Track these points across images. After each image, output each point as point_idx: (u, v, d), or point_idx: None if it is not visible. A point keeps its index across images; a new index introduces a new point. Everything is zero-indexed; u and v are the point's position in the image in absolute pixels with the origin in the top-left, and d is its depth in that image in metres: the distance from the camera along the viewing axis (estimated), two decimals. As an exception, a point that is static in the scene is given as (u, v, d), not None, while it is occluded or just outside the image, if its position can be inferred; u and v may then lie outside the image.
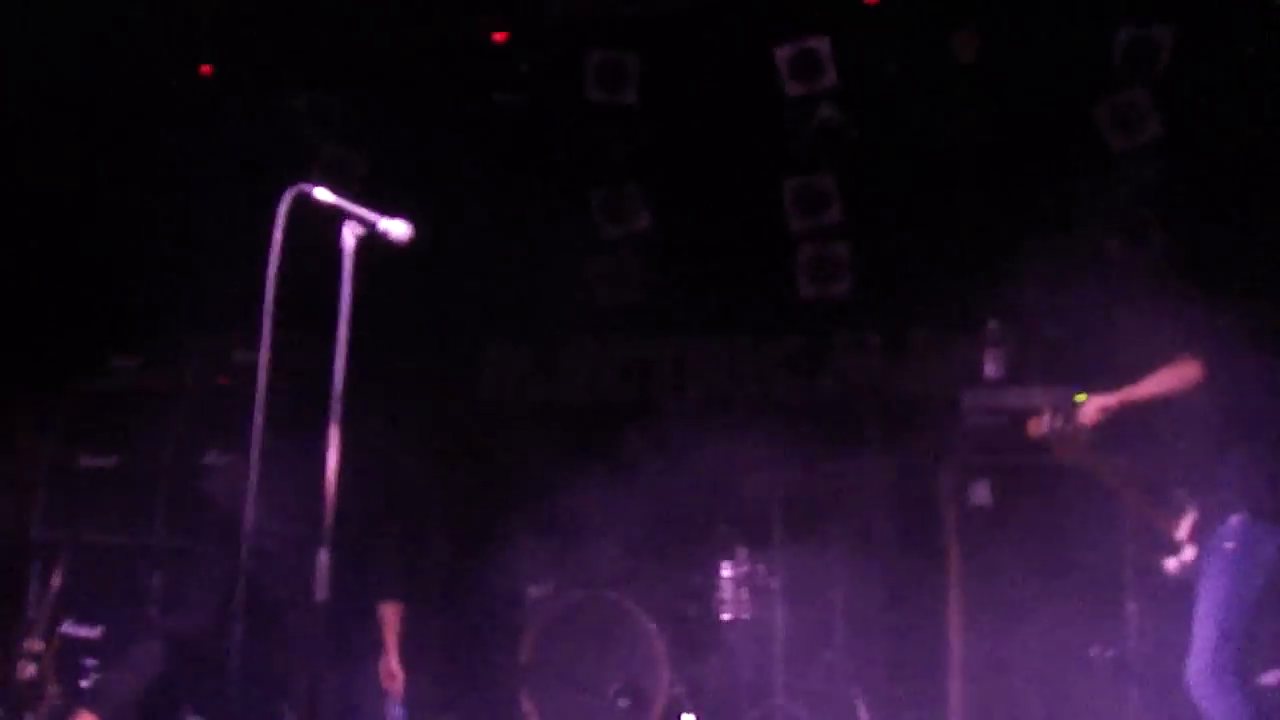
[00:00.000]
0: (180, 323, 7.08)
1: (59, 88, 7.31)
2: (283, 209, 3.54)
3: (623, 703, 6.22)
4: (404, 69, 7.58)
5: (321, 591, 3.51)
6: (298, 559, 4.59)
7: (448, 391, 8.01)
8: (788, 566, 6.53)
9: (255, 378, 3.52)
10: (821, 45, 7.14)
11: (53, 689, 6.23)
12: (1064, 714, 5.81)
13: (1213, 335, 4.89)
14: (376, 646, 5.49)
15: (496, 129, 7.58)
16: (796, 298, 7.44)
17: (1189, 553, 5.02)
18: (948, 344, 7.22)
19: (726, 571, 6.45)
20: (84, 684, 6.16)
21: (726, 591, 6.43)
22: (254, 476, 3.49)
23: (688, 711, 6.20)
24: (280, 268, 3.53)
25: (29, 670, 6.20)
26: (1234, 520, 4.82)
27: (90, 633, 6.37)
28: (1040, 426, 5.22)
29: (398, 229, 3.70)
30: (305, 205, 3.62)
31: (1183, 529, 5.06)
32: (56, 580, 6.34)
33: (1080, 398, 5.15)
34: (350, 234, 3.64)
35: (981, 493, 6.10)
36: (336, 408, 3.57)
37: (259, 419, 3.46)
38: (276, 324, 3.54)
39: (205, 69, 7.68)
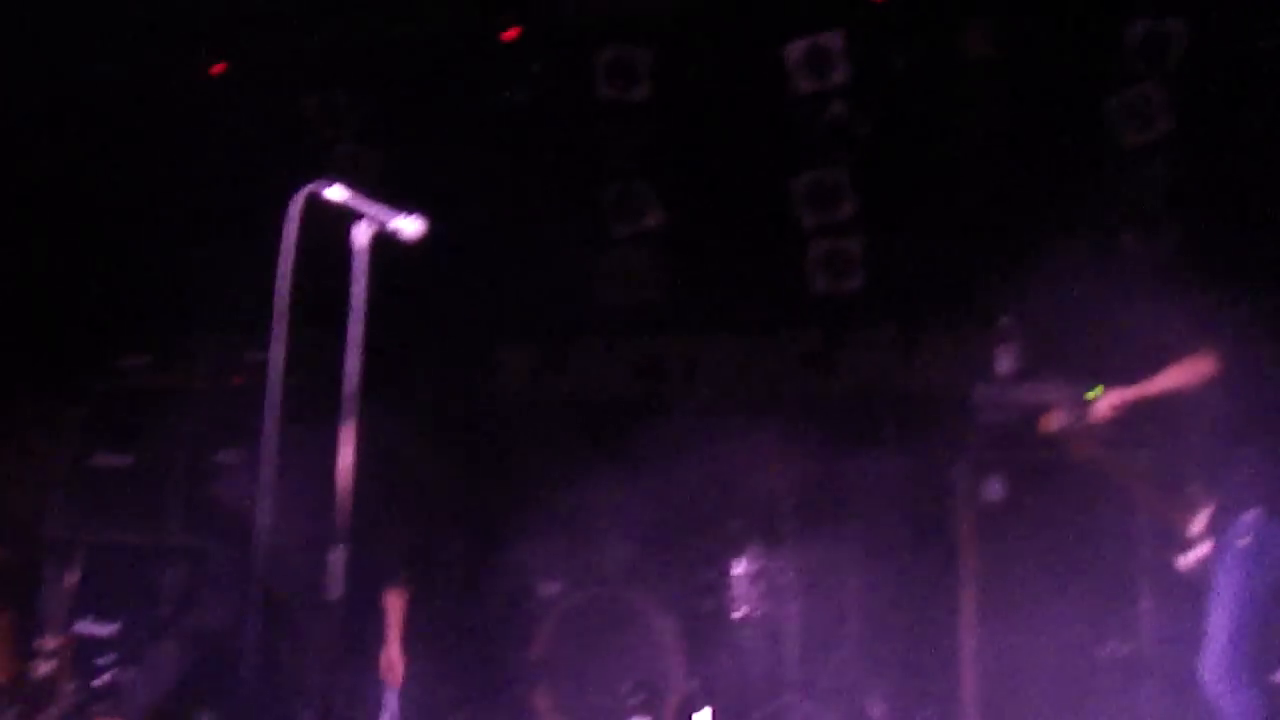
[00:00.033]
0: (192, 322, 7.10)
1: (69, 87, 7.34)
2: (295, 208, 3.55)
3: (636, 699, 6.23)
4: (414, 68, 7.58)
5: (335, 590, 3.52)
6: (308, 556, 4.60)
7: (460, 390, 8.02)
8: (801, 563, 6.53)
9: (266, 376, 3.52)
10: (832, 41, 7.13)
11: (67, 687, 6.25)
12: (1078, 710, 5.80)
13: (1227, 330, 4.88)
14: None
15: (507, 127, 7.58)
16: (808, 294, 7.43)
17: (1203, 549, 5.00)
18: (961, 340, 7.20)
19: (739, 568, 6.45)
20: (98, 682, 6.18)
21: (739, 588, 6.43)
22: (267, 474, 3.49)
23: (701, 708, 6.20)
24: (292, 266, 3.53)
25: (44, 668, 6.23)
26: (1248, 516, 4.80)
27: (105, 631, 6.40)
28: (1054, 422, 5.21)
29: (409, 227, 3.69)
30: (317, 204, 3.63)
31: (1197, 525, 5.05)
32: (71, 579, 6.36)
33: (1094, 393, 5.14)
34: (362, 233, 3.64)
35: (995, 489, 6.09)
36: (350, 406, 3.58)
37: (271, 418, 3.47)
38: (289, 323, 3.54)
39: (217, 68, 7.68)
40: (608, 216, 7.69)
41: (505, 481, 7.65)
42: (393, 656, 5.37)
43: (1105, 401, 5.02)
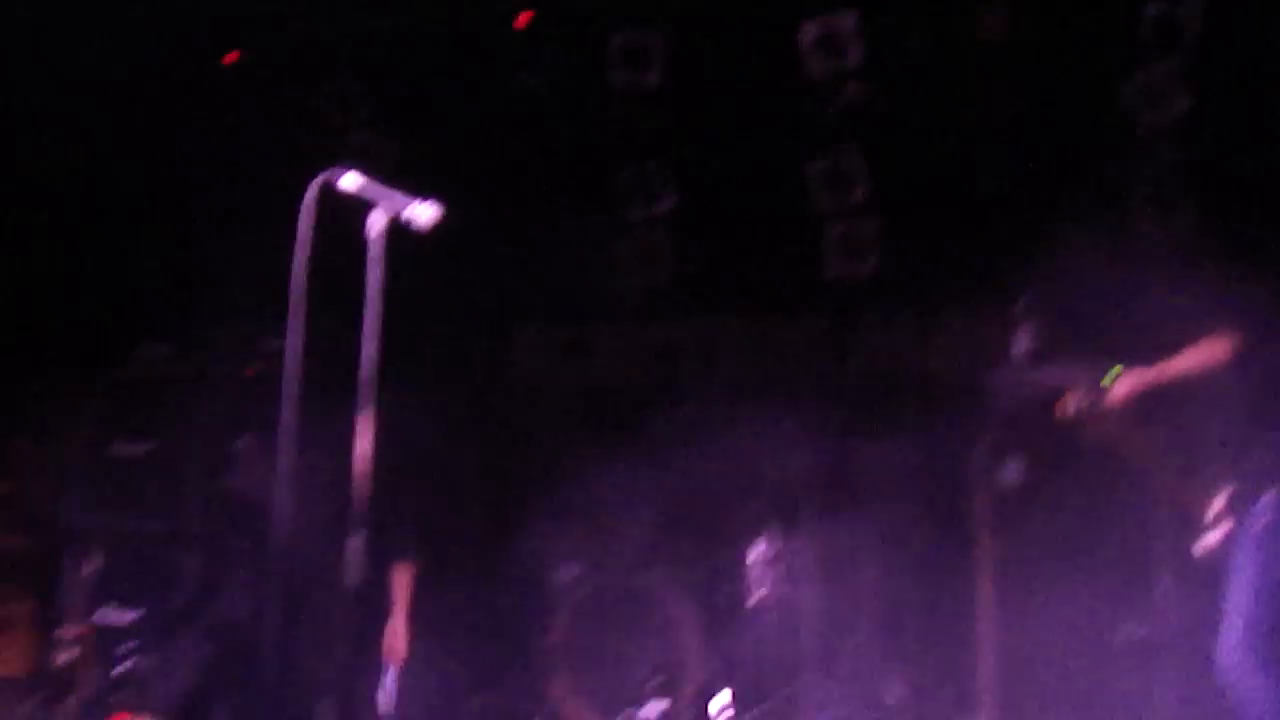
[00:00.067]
0: (210, 311, 7.12)
1: (87, 77, 7.34)
2: (310, 196, 3.55)
3: (655, 684, 6.24)
4: (428, 54, 7.58)
5: (354, 577, 3.53)
6: (324, 544, 4.61)
7: (478, 376, 8.03)
8: (818, 547, 6.53)
9: (283, 364, 3.53)
10: (847, 22, 7.10)
11: (88, 675, 6.28)
12: (1095, 693, 5.80)
13: (1245, 311, 4.86)
14: (416, 631, 5.49)
15: (521, 113, 7.57)
16: (824, 278, 7.41)
17: (1221, 532, 4.99)
18: (977, 323, 7.18)
19: (757, 552, 6.45)
20: (118, 670, 6.21)
21: (757, 572, 6.43)
22: (285, 463, 3.50)
23: (719, 691, 6.21)
24: (309, 254, 3.54)
25: (64, 657, 6.26)
26: (1267, 498, 4.79)
27: (125, 619, 6.42)
28: (1071, 405, 5.20)
29: (424, 214, 3.69)
30: (332, 192, 3.63)
31: (1215, 507, 5.03)
32: (91, 567, 6.39)
33: (1111, 376, 5.13)
34: (377, 220, 3.64)
35: (1012, 472, 6.08)
36: (366, 394, 3.58)
37: (289, 406, 3.47)
38: (305, 311, 3.54)
39: (232, 56, 7.69)
40: (622, 202, 7.68)
41: (522, 467, 7.66)
42: (397, 634, 5.29)
43: (1123, 384, 5.01)
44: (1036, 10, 6.99)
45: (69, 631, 6.29)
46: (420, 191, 3.78)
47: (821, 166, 7.33)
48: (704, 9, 7.36)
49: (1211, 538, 5.02)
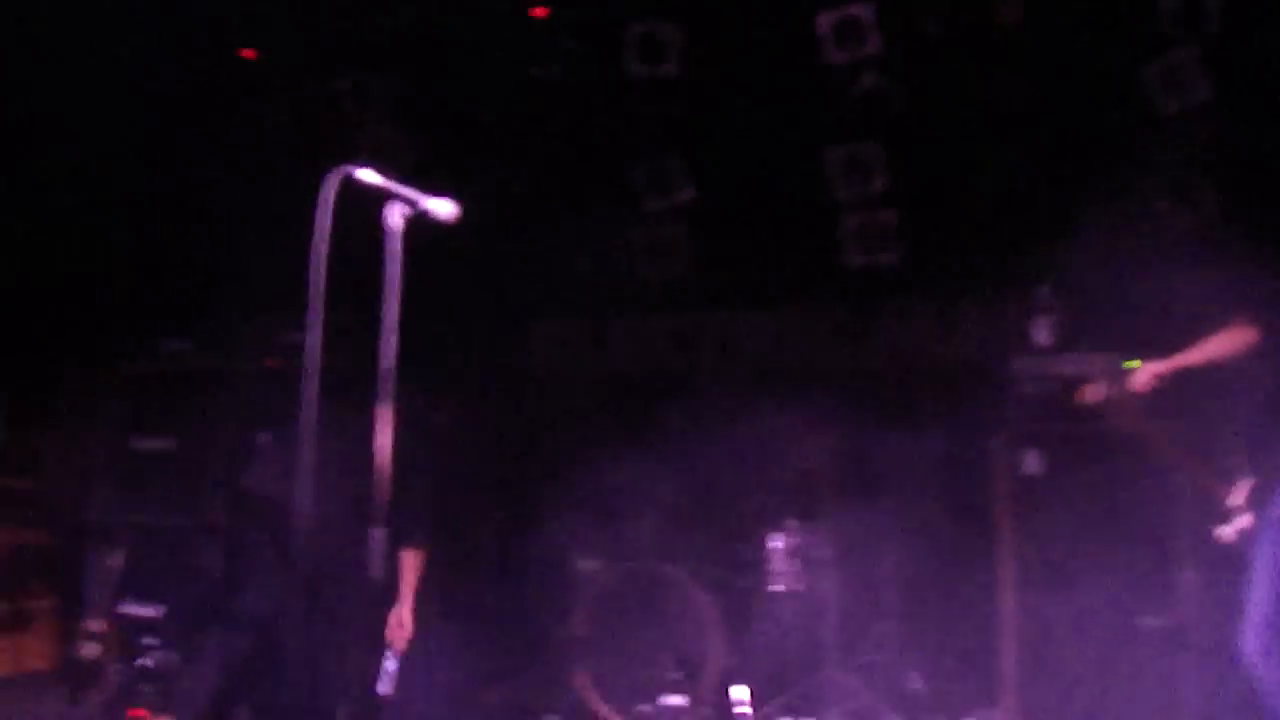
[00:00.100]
0: (231, 305, 7.14)
1: (106, 72, 7.36)
2: (329, 191, 3.56)
3: (675, 674, 6.25)
4: (445, 48, 7.58)
5: (376, 570, 3.54)
6: (344, 538, 4.62)
7: (497, 368, 8.04)
8: (839, 537, 6.53)
9: (303, 358, 3.54)
10: (864, 11, 7.07)
11: (113, 668, 6.32)
12: (1118, 683, 5.78)
13: (1266, 299, 4.83)
14: (427, 618, 5.49)
15: (538, 104, 7.57)
16: (843, 268, 7.40)
17: (1243, 520, 4.97)
18: (997, 311, 7.16)
19: (777, 543, 6.45)
20: (142, 662, 6.24)
21: (777, 563, 6.43)
22: (306, 457, 3.50)
23: (739, 683, 6.22)
24: (327, 249, 3.54)
25: (90, 650, 6.30)
26: (1289, 487, 4.77)
27: (149, 612, 6.46)
28: (1092, 394, 5.19)
29: (443, 208, 3.70)
30: (352, 186, 3.64)
31: (1237, 496, 5.01)
32: (115, 561, 6.42)
33: (1132, 364, 5.11)
34: (396, 215, 3.65)
35: (1033, 461, 6.07)
36: (386, 387, 3.59)
37: (310, 399, 3.48)
38: (325, 305, 3.55)
39: (249, 52, 7.70)
40: (640, 193, 7.67)
41: (541, 458, 7.68)
42: (405, 618, 5.23)
43: (1144, 373, 4.99)
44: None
45: (92, 626, 6.32)
46: (438, 184, 3.79)
47: (840, 156, 7.31)
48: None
49: (1233, 527, 5.01)
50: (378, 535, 3.58)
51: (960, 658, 6.38)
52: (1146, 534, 5.76)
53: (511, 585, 7.34)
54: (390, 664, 5.03)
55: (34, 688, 6.74)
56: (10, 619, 6.98)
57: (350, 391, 3.86)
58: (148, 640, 6.31)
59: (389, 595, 5.12)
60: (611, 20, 7.39)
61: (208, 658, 5.28)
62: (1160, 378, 4.99)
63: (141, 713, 5.61)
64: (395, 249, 3.63)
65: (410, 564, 5.30)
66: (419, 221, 3.71)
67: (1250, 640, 4.72)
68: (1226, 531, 5.02)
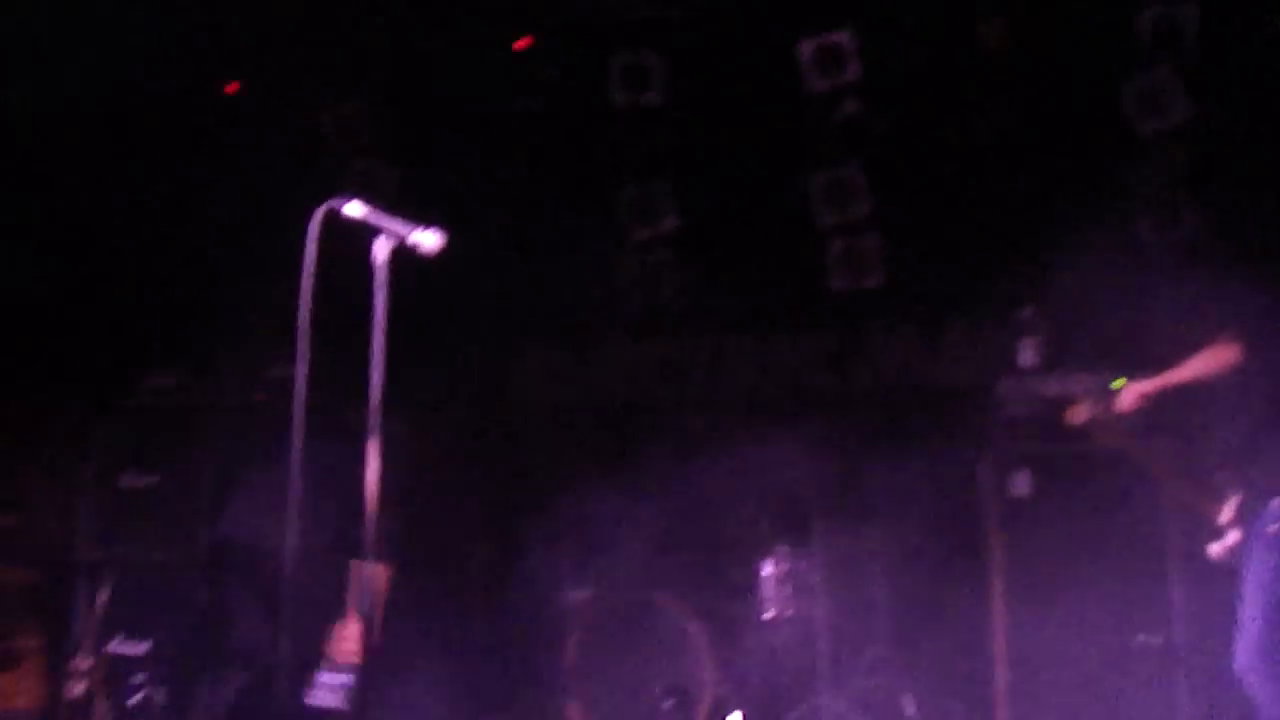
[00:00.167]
0: (217, 339, 7.13)
1: (89, 107, 7.37)
2: (314, 225, 3.56)
3: (668, 703, 6.22)
4: (428, 79, 7.60)
5: (365, 605, 3.52)
6: (330, 571, 4.60)
7: (484, 398, 8.03)
8: (829, 562, 6.52)
9: (291, 391, 3.54)
10: (844, 39, 7.12)
11: (102, 706, 6.28)
12: (1110, 702, 5.78)
13: (1250, 316, 4.86)
14: (427, 655, 5.44)
15: (523, 135, 7.59)
16: (828, 292, 7.42)
17: (1233, 537, 4.98)
18: (983, 333, 7.19)
19: (768, 569, 6.44)
20: (131, 701, 6.20)
21: (768, 589, 6.42)
22: (295, 492, 3.49)
23: (732, 710, 6.19)
24: (314, 283, 3.55)
25: (78, 688, 6.25)
26: (1277, 503, 4.78)
27: (137, 649, 6.42)
28: (1079, 414, 5.20)
29: (428, 241, 3.70)
30: (338, 219, 3.64)
31: (1226, 513, 5.03)
32: (102, 598, 6.39)
33: (1118, 383, 5.13)
34: (381, 247, 3.65)
35: (1022, 483, 6.08)
36: (374, 420, 3.59)
37: (298, 435, 3.47)
38: (312, 339, 3.55)
39: (232, 86, 7.71)
40: (626, 220, 7.69)
41: (529, 486, 7.66)
42: (356, 630, 5.06)
43: (1130, 392, 5.01)
44: (1034, 19, 6.99)
45: (82, 663, 6.28)
46: (424, 214, 3.79)
47: (823, 182, 7.34)
48: (702, 27, 7.38)
49: (1223, 544, 5.02)
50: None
51: (953, 680, 6.37)
52: (1136, 553, 5.77)
53: (501, 615, 7.31)
54: (333, 678, 4.91)
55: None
56: (-2, 658, 6.93)
57: (329, 421, 3.85)
58: (136, 679, 6.27)
59: (337, 608, 5.04)
60: (594, 50, 7.43)
61: (202, 702, 5.23)
62: (1146, 397, 5.01)
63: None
64: (381, 281, 3.63)
65: (376, 578, 5.16)
66: (405, 253, 3.71)
67: (1243, 657, 4.72)
68: (1216, 548, 5.04)
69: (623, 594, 6.53)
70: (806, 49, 7.13)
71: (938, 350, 7.44)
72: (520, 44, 7.44)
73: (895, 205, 7.28)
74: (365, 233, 3.70)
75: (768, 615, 6.40)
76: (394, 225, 3.68)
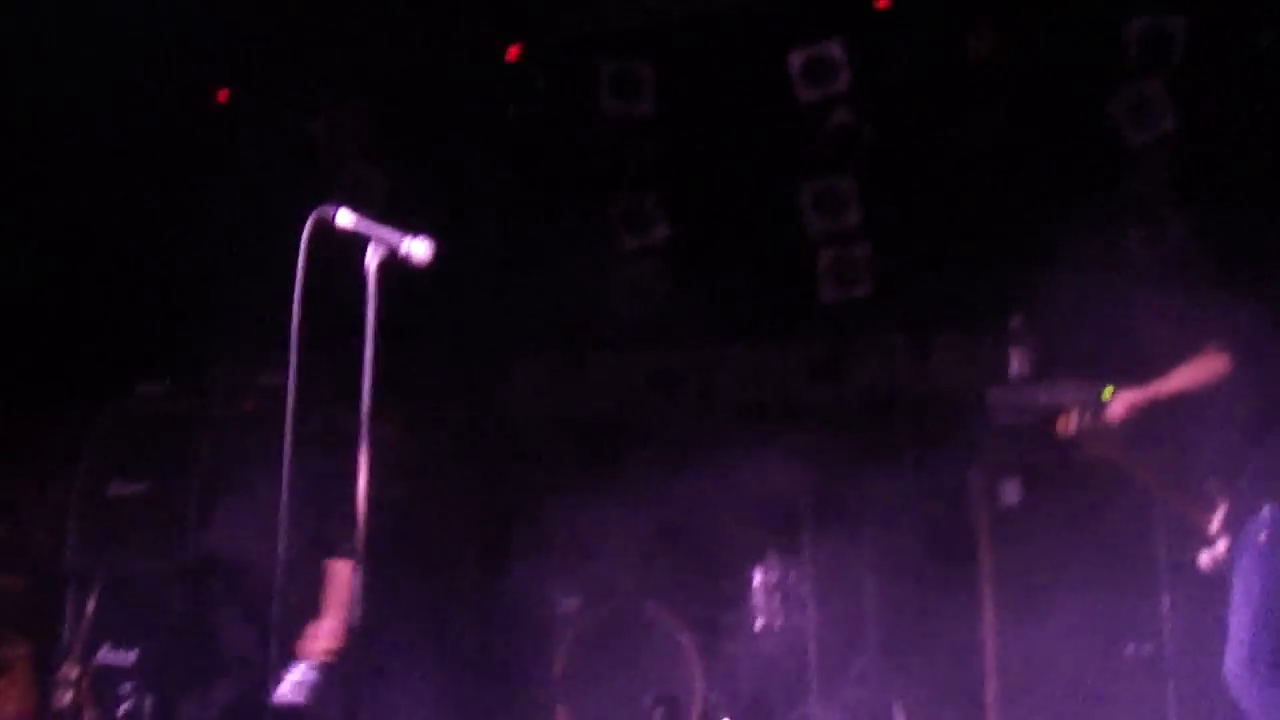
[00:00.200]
0: (207, 347, 7.11)
1: (79, 115, 7.36)
2: (305, 233, 3.56)
3: (657, 713, 6.22)
4: (420, 88, 7.60)
5: (356, 613, 3.51)
6: (306, 576, 4.58)
7: (474, 408, 8.02)
8: (819, 572, 6.52)
9: (282, 399, 3.53)
10: (834, 49, 7.13)
11: (89, 715, 6.25)
12: (1101, 711, 5.79)
13: (1238, 325, 4.87)
14: (416, 667, 5.41)
15: (513, 144, 7.60)
16: (819, 302, 7.43)
17: (1223, 545, 4.99)
18: (973, 343, 7.20)
19: (758, 579, 6.44)
20: (119, 711, 6.17)
21: (758, 599, 6.42)
22: (286, 501, 3.49)
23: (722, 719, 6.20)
24: (304, 290, 3.54)
25: (66, 698, 6.23)
26: (1267, 511, 4.79)
27: (125, 658, 6.39)
28: (1069, 424, 5.21)
29: (419, 250, 3.70)
30: (329, 227, 3.64)
31: (1216, 522, 5.04)
32: (90, 608, 6.36)
33: (1107, 393, 5.14)
34: (372, 256, 3.65)
35: (1012, 492, 6.08)
36: (365, 429, 3.58)
37: (289, 443, 3.47)
38: (302, 346, 3.55)
39: (222, 93, 7.71)
40: (616, 230, 7.70)
41: (520, 496, 7.65)
42: (329, 628, 4.98)
43: (1120, 402, 5.02)
44: (1023, 30, 7.02)
45: (69, 672, 6.25)
46: (414, 223, 3.79)
47: (813, 191, 7.35)
48: (693, 37, 7.39)
49: (1213, 552, 5.03)
50: (357, 579, 3.56)
51: (943, 689, 6.36)
52: (1126, 562, 5.78)
53: (490, 625, 7.30)
54: (300, 674, 4.87)
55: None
56: (-15, 668, 6.90)
57: (315, 428, 3.84)
58: (124, 688, 6.25)
59: (310, 607, 4.99)
60: (585, 59, 7.44)
61: (189, 711, 5.20)
62: (1136, 407, 5.02)
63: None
64: (372, 289, 3.63)
65: (337, 575, 5.05)
66: (396, 261, 3.71)
67: (1233, 665, 4.73)
68: (1206, 557, 5.05)
69: (612, 603, 6.53)
70: (797, 59, 7.15)
71: (927, 360, 7.45)
72: (511, 53, 7.45)
73: (885, 215, 7.30)
74: (356, 241, 3.70)
75: (758, 625, 6.41)
76: (384, 234, 3.68)
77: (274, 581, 3.64)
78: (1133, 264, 6.68)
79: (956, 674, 6.24)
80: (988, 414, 6.29)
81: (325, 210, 3.63)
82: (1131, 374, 5.16)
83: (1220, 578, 4.97)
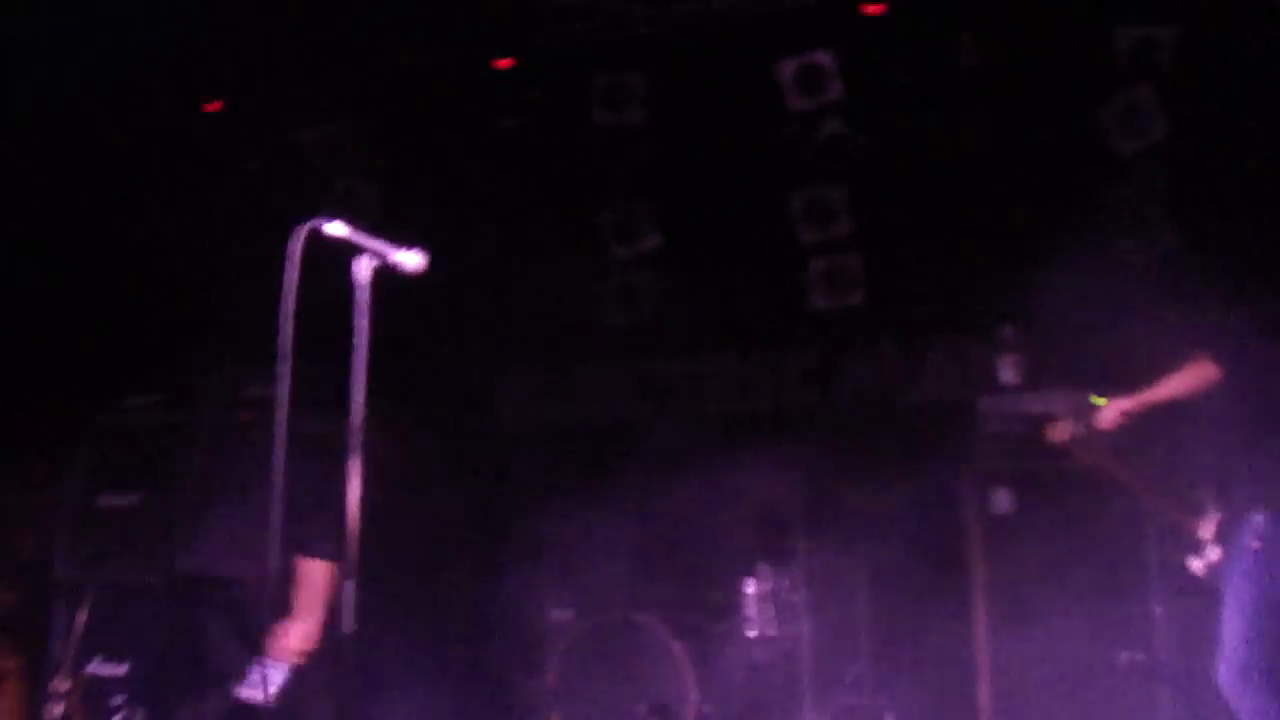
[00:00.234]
0: (196, 359, 7.10)
1: (71, 127, 7.35)
2: (296, 244, 3.55)
3: (650, 723, 6.21)
4: (411, 99, 7.60)
5: (348, 624, 3.51)
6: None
7: (466, 418, 8.02)
8: (811, 580, 6.53)
9: (270, 412, 3.52)
10: (824, 58, 7.14)
11: (81, 728, 6.24)
12: (1093, 718, 5.79)
13: (1228, 332, 4.89)
14: (409, 678, 5.38)
15: (504, 155, 7.60)
16: (809, 311, 7.44)
17: (1214, 552, 5.00)
18: (963, 352, 7.22)
19: (750, 588, 6.44)
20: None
21: (751, 608, 6.42)
22: (277, 513, 3.48)
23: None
24: (295, 303, 3.54)
25: (57, 710, 6.21)
26: (1258, 518, 4.80)
27: (116, 671, 6.38)
28: (1060, 432, 5.22)
29: (410, 261, 3.70)
30: (319, 239, 3.64)
31: (1207, 529, 5.05)
32: (81, 619, 6.35)
33: (1098, 401, 5.15)
34: (363, 267, 3.65)
35: (1003, 500, 6.09)
36: (356, 440, 3.58)
37: (280, 455, 3.46)
38: (293, 358, 3.54)
39: (214, 105, 7.70)
40: (607, 240, 7.70)
41: (511, 506, 7.65)
42: (301, 630, 4.91)
43: (1110, 410, 5.03)
44: (1014, 39, 7.03)
45: (60, 684, 6.23)
46: (404, 235, 3.79)
47: (804, 200, 7.36)
48: (684, 48, 7.40)
49: (1205, 560, 5.04)
50: (349, 589, 3.55)
51: (935, 697, 6.37)
52: (1118, 569, 5.79)
53: (482, 635, 7.29)
54: (267, 672, 4.82)
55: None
56: (-24, 681, 6.88)
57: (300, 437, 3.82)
58: (115, 700, 6.23)
59: (282, 605, 4.93)
60: (576, 70, 7.44)
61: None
62: (1127, 415, 5.03)
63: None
64: (363, 301, 3.63)
65: (317, 578, 4.98)
66: (387, 272, 3.71)
67: (1224, 672, 4.74)
68: (1198, 563, 5.06)
69: (605, 613, 6.52)
70: (788, 68, 7.16)
71: (918, 368, 7.46)
72: (502, 64, 7.45)
73: (876, 224, 7.31)
74: (348, 252, 3.70)
75: (750, 634, 6.40)
76: (376, 245, 3.68)
77: (262, 592, 3.63)
78: (1123, 272, 6.69)
79: (949, 681, 6.25)
80: (978, 422, 6.30)
81: (316, 221, 3.62)
82: (1121, 382, 5.17)
83: (1211, 585, 4.98)
